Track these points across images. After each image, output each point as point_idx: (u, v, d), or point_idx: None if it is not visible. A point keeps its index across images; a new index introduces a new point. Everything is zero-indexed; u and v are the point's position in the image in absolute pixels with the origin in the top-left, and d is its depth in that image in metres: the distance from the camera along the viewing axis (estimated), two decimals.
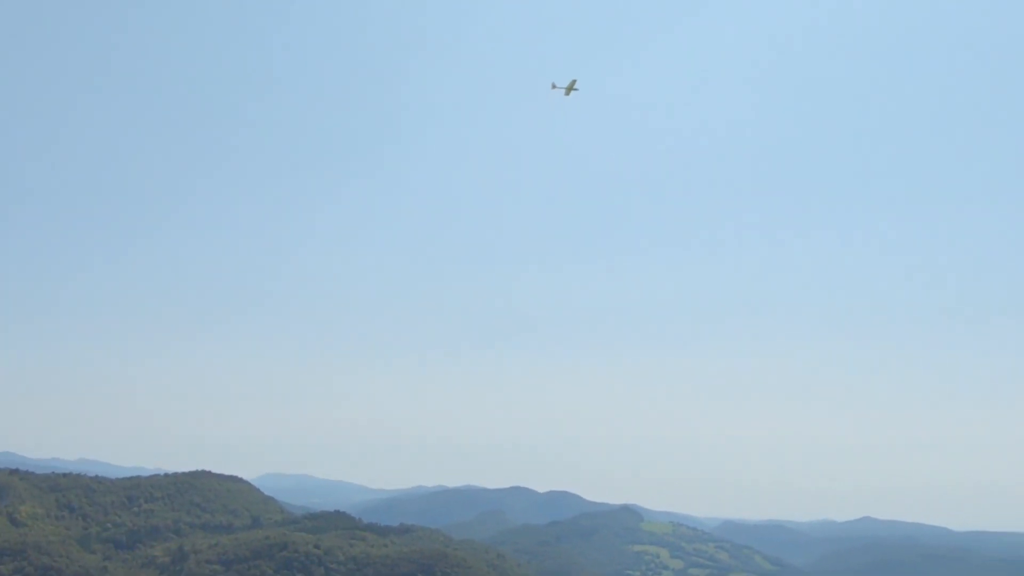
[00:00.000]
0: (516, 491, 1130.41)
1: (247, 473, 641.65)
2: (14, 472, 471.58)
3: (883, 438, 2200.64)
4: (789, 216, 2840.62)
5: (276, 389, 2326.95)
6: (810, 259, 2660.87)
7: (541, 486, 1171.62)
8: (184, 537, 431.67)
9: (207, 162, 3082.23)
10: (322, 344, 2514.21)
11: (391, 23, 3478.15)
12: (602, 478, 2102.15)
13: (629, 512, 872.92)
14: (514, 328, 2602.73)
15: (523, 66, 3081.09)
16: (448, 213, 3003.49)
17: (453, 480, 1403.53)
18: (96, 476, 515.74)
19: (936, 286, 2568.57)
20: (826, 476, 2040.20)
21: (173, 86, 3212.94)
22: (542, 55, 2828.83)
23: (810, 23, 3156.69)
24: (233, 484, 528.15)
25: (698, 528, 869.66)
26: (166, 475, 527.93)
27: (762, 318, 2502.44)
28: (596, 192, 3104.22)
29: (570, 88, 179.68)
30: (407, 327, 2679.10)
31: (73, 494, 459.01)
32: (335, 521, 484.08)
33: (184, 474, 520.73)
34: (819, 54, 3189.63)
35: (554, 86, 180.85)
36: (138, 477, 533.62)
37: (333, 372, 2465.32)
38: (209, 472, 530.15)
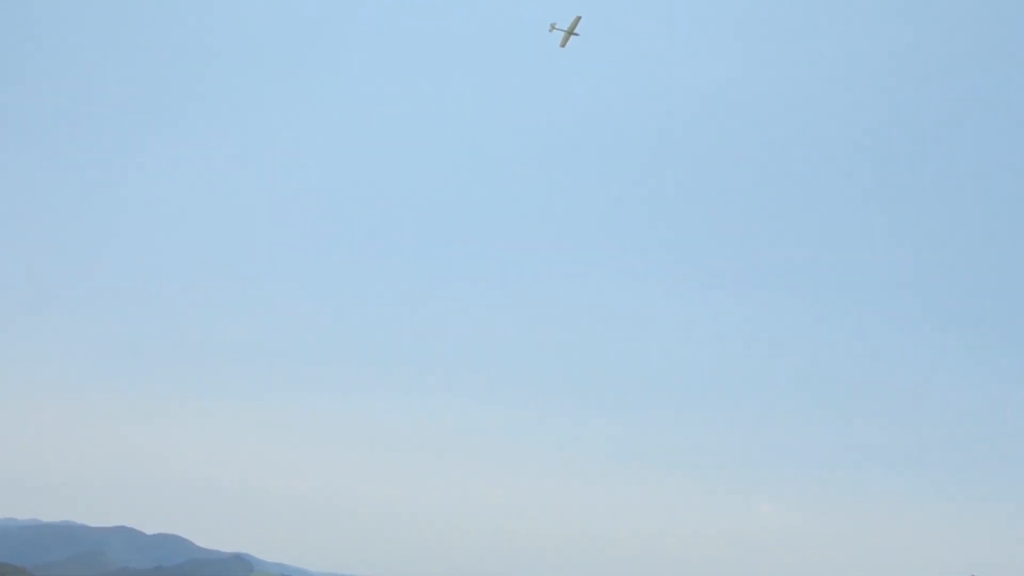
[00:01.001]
0: (121, 531, 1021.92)
1: None
2: None
3: (525, 500, 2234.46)
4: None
5: None
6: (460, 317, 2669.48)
7: (149, 527, 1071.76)
8: None
9: None
10: None
11: None
12: (216, 523, 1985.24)
13: (239, 561, 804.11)
14: (136, 360, 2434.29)
15: None
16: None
17: (50, 514, 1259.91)
18: None
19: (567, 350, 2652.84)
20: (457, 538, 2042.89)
21: None
22: None
23: None
24: None
25: None
26: None
27: (389, 366, 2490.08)
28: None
29: (570, 31, 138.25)
30: (39, 344, 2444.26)
31: None
32: None
33: None
34: None
35: (553, 27, 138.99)
36: None
37: None
38: None
